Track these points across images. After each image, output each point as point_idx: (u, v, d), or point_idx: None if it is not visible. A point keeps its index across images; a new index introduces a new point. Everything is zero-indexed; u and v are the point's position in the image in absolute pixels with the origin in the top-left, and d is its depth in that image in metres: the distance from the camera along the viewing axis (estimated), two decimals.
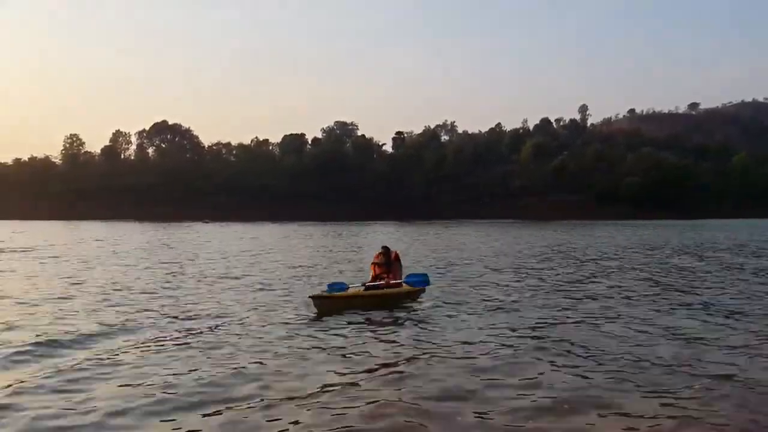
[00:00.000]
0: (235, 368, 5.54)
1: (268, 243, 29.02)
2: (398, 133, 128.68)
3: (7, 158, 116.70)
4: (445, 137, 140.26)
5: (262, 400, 4.67)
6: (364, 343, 6.73)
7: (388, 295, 9.39)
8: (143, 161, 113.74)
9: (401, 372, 5.50)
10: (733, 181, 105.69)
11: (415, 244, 27.80)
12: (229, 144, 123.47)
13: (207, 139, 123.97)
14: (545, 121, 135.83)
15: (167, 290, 11.07)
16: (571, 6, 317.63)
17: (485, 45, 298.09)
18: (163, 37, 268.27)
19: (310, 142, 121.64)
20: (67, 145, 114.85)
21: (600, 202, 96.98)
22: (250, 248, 24.39)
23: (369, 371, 5.52)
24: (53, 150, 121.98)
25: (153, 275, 13.42)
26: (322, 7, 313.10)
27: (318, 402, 4.65)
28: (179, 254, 20.53)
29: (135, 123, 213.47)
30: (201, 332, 7.15)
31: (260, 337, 6.89)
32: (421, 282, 9.68)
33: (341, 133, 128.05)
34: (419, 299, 9.74)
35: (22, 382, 5.15)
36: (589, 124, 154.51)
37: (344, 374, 5.42)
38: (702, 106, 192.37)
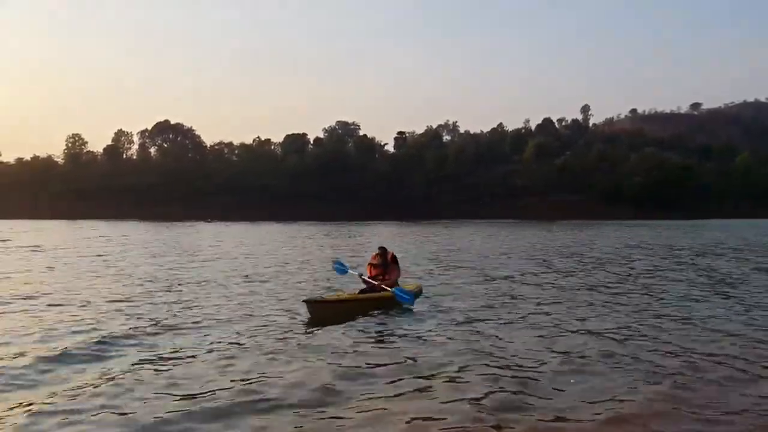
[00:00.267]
0: (222, 374, 5.39)
1: (269, 243, 28.87)
2: (400, 132, 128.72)
3: (10, 158, 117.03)
4: (446, 137, 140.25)
5: (250, 407, 4.54)
6: (358, 348, 6.52)
7: (384, 298, 9.18)
8: (145, 161, 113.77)
9: (398, 378, 5.31)
10: (736, 181, 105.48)
11: (416, 244, 27.70)
12: (231, 144, 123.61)
13: (209, 139, 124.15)
14: (547, 121, 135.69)
15: (161, 293, 10.69)
16: (572, 5, 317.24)
17: (486, 45, 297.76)
18: (164, 37, 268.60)
19: (311, 142, 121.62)
20: (69, 145, 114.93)
21: (603, 202, 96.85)
22: (250, 248, 24.19)
23: (363, 377, 5.37)
24: (55, 150, 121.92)
25: (151, 278, 13.05)
26: (322, 7, 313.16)
27: (308, 410, 4.51)
28: (179, 255, 20.26)
29: (137, 123, 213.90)
30: (190, 336, 6.96)
31: (249, 343, 6.66)
32: (405, 299, 9.17)
33: (343, 133, 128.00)
34: (417, 300, 9.54)
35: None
36: (591, 124, 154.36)
37: (336, 380, 5.26)
38: (704, 107, 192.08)
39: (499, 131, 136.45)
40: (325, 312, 8.21)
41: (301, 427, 4.23)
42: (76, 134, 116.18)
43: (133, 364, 5.69)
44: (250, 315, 8.52)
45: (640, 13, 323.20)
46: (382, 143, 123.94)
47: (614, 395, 4.90)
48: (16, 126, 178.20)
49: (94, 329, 7.30)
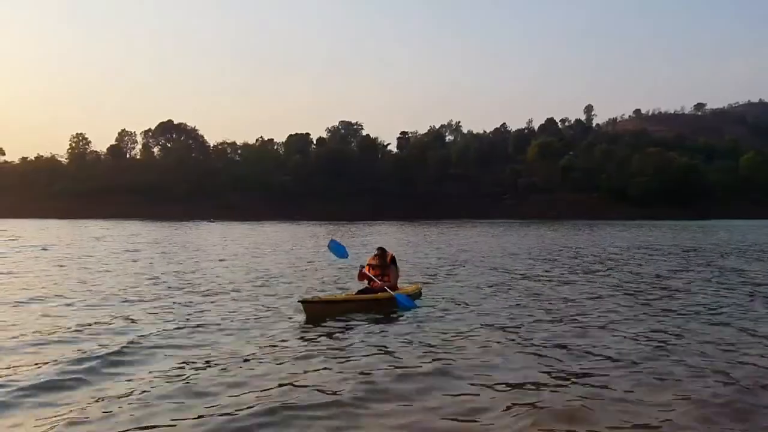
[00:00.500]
0: (213, 378, 5.20)
1: (271, 243, 28.55)
2: (403, 132, 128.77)
3: (14, 157, 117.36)
4: (449, 137, 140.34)
5: (241, 410, 4.38)
6: (354, 351, 6.26)
7: (383, 299, 8.89)
8: (149, 160, 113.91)
9: (397, 385, 5.06)
10: (741, 181, 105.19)
11: (419, 244, 27.52)
12: (234, 143, 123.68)
13: (212, 139, 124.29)
14: (550, 122, 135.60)
15: (168, 294, 10.28)
16: (575, 5, 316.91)
17: (489, 45, 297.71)
18: (168, 38, 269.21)
19: (314, 142, 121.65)
20: (73, 145, 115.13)
21: (607, 201, 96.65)
22: (253, 248, 23.85)
23: (358, 382, 5.11)
24: (59, 149, 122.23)
25: (160, 279, 12.55)
26: (327, 8, 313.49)
27: (300, 414, 4.35)
28: (179, 255, 19.99)
29: (141, 122, 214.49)
30: (182, 339, 6.69)
31: (242, 345, 6.41)
32: (408, 304, 8.87)
33: (346, 133, 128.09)
34: (416, 300, 9.28)
35: None
36: (594, 124, 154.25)
37: (328, 383, 5.04)
38: (708, 107, 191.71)
39: (501, 131, 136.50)
40: (321, 312, 7.98)
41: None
42: (80, 134, 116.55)
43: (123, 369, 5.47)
44: (243, 314, 8.19)
45: (643, 14, 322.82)
46: (385, 143, 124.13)
47: (646, 401, 4.64)
48: (21, 126, 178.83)
49: (113, 332, 7.06)
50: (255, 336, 6.87)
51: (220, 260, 17.80)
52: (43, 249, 22.09)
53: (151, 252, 21.46)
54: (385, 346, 6.46)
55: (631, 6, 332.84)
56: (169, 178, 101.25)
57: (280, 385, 4.97)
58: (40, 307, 8.85)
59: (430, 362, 5.78)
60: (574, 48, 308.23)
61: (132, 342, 6.43)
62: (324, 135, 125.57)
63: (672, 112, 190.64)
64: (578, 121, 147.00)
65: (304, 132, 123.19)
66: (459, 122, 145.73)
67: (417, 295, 9.63)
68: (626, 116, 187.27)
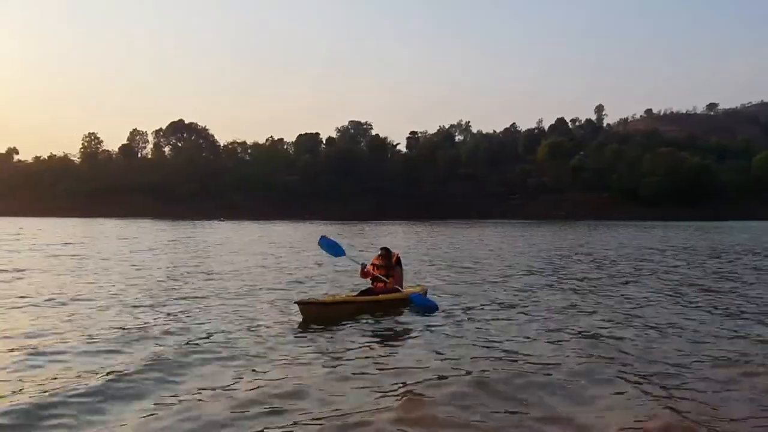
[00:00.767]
0: (199, 381, 5.03)
1: (280, 242, 28.40)
2: (412, 132, 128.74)
3: (28, 156, 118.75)
4: (459, 137, 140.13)
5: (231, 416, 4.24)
6: (349, 356, 5.93)
7: (385, 300, 8.46)
8: (160, 160, 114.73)
9: (397, 392, 4.82)
10: (754, 181, 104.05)
11: (428, 244, 27.44)
12: (244, 143, 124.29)
13: (223, 138, 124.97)
14: (561, 121, 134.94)
15: (159, 298, 9.67)
16: (585, 4, 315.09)
17: (499, 45, 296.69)
18: (180, 38, 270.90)
19: (324, 142, 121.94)
20: (86, 144, 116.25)
21: (618, 201, 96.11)
22: (261, 248, 23.43)
23: (356, 388, 4.91)
24: (72, 149, 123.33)
25: (155, 281, 12.10)
26: (336, 8, 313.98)
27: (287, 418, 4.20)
28: (186, 255, 19.67)
29: (152, 122, 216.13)
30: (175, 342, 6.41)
31: (234, 348, 6.13)
32: (426, 308, 8.38)
33: (355, 133, 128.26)
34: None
35: None
36: (605, 124, 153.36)
37: (318, 387, 4.85)
38: (720, 107, 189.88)
39: (511, 131, 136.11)
40: (318, 314, 7.62)
41: None
42: (92, 133, 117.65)
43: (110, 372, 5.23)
44: (240, 316, 7.88)
45: (654, 13, 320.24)
46: (395, 143, 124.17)
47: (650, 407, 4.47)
48: (34, 125, 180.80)
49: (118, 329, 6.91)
50: (245, 339, 6.52)
51: (224, 260, 17.85)
52: (75, 256, 22.38)
53: (168, 251, 21.66)
54: (385, 352, 6.13)
55: (643, 5, 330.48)
56: (179, 178, 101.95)
57: (257, 391, 4.74)
58: (79, 307, 8.62)
59: (431, 369, 5.46)
60: (585, 47, 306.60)
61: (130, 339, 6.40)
62: (333, 135, 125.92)
63: (684, 112, 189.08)
64: (589, 121, 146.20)
65: (313, 132, 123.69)
66: (468, 122, 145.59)
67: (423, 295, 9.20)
68: (637, 116, 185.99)
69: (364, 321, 7.64)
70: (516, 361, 5.76)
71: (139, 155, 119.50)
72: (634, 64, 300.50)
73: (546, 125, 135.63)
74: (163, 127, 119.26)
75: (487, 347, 6.33)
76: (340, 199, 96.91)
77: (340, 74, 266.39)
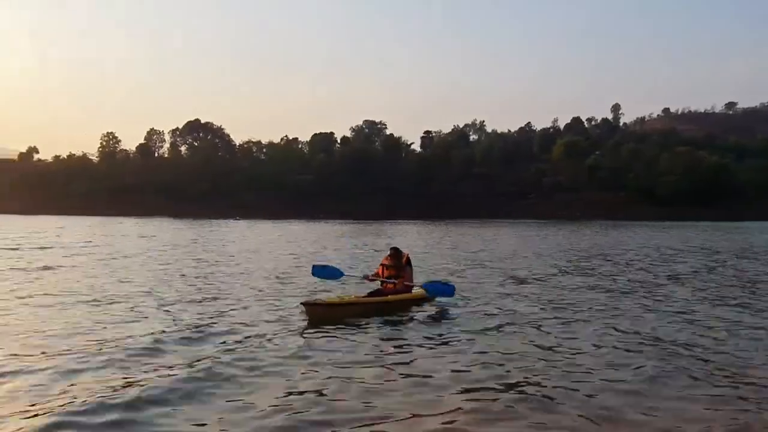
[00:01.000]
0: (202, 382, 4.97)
1: (294, 241, 28.41)
2: (426, 132, 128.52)
3: (47, 155, 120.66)
4: (473, 136, 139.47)
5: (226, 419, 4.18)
6: (353, 359, 5.74)
7: (393, 302, 8.24)
8: (176, 159, 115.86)
9: (400, 392, 4.70)
10: None
11: (442, 244, 27.41)
12: (259, 142, 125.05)
13: (238, 138, 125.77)
14: (576, 121, 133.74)
15: (192, 294, 9.99)
16: (603, 4, 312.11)
17: (515, 44, 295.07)
18: (196, 39, 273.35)
19: (338, 141, 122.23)
20: (104, 143, 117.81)
21: (635, 201, 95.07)
22: (276, 247, 23.45)
23: (353, 389, 4.80)
24: (90, 148, 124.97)
25: (181, 280, 12.23)
26: (352, 8, 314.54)
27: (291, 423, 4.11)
28: (200, 253, 19.66)
29: (168, 121, 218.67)
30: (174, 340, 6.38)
31: (235, 349, 6.05)
32: (443, 291, 8.31)
33: (370, 132, 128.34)
34: (429, 306, 8.62)
35: None
36: (621, 124, 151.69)
37: (320, 394, 4.71)
38: (739, 106, 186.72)
39: (526, 130, 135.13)
40: (324, 316, 7.40)
41: None
42: (110, 133, 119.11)
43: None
44: (245, 317, 7.78)
45: (672, 12, 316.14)
46: (409, 142, 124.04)
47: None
48: (54, 125, 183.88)
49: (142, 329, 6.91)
50: (249, 340, 6.40)
51: (236, 258, 17.96)
52: (101, 254, 22.77)
53: (191, 249, 21.94)
54: (393, 355, 5.89)
55: (661, 4, 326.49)
56: (195, 177, 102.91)
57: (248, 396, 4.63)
58: (110, 307, 8.62)
59: (441, 373, 5.30)
60: (602, 46, 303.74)
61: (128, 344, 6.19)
62: (348, 134, 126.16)
63: (702, 111, 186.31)
64: (605, 120, 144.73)
65: (328, 131, 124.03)
66: (483, 121, 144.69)
67: (431, 299, 9.00)
68: (654, 115, 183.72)
69: (372, 323, 7.36)
70: (574, 364, 5.54)
71: (156, 154, 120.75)
72: (651, 63, 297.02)
73: (561, 124, 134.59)
74: (180, 127, 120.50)
75: (533, 350, 6.13)
76: (351, 199, 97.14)
77: (354, 74, 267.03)
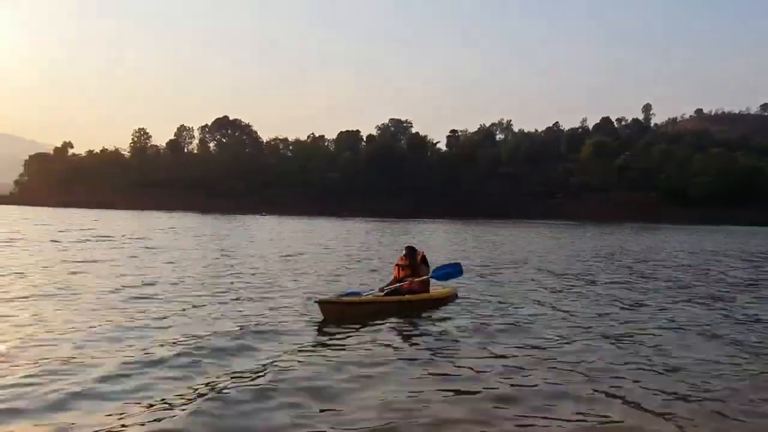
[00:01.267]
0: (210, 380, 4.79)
1: (319, 239, 27.99)
2: (452, 131, 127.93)
3: (81, 150, 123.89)
4: (500, 136, 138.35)
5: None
6: (370, 361, 5.52)
7: (411, 301, 8.07)
8: (205, 155, 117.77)
9: (416, 406, 4.39)
10: None
11: (467, 243, 27.12)
12: (286, 139, 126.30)
13: (265, 135, 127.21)
14: (606, 121, 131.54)
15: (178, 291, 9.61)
16: (635, 4, 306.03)
17: (544, 44, 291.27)
18: (225, 38, 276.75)
19: (364, 139, 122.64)
20: (135, 139, 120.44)
21: (666, 203, 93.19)
22: (299, 244, 23.14)
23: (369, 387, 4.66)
24: (123, 143, 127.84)
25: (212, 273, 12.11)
26: (380, 8, 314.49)
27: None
28: (220, 248, 19.37)
29: (198, 118, 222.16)
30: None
31: (245, 348, 5.82)
32: (452, 273, 8.14)
33: (395, 131, 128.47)
34: (448, 306, 8.32)
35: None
36: (652, 124, 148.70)
37: (335, 395, 4.57)
38: None
39: (554, 130, 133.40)
40: (340, 314, 7.24)
41: None
42: (142, 128, 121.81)
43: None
44: (259, 314, 7.54)
45: (705, 11, 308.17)
46: (434, 141, 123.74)
47: None
48: (89, 120, 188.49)
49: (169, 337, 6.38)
50: (263, 338, 6.24)
51: (256, 255, 18.21)
52: (139, 239, 23.39)
53: (218, 246, 22.31)
54: (411, 358, 5.70)
55: (695, 4, 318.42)
56: (224, 173, 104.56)
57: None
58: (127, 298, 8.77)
59: (457, 375, 5.11)
60: (632, 46, 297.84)
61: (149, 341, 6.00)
62: (374, 132, 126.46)
63: (737, 112, 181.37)
64: (635, 120, 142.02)
65: (354, 129, 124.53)
66: (510, 121, 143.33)
67: (452, 298, 8.75)
68: (687, 116, 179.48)
69: (389, 322, 7.17)
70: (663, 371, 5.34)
71: (185, 150, 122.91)
72: (683, 63, 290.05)
73: (590, 125, 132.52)
74: (209, 124, 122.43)
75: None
76: (377, 197, 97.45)
77: (380, 72, 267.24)
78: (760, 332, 7.27)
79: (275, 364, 5.23)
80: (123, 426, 3.83)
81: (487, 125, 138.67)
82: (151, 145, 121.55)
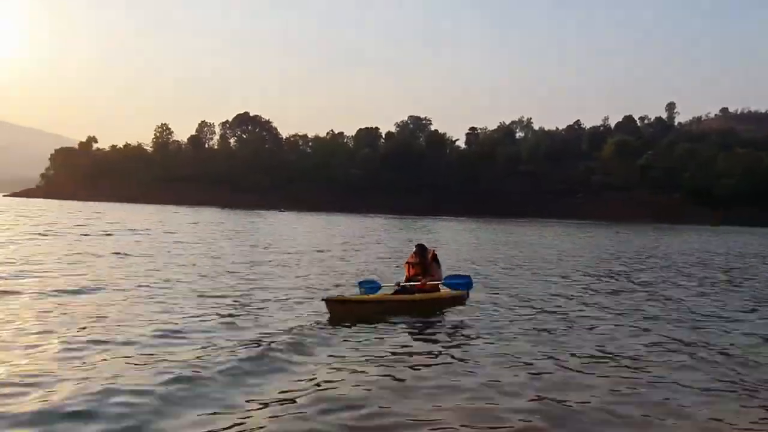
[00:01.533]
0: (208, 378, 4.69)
1: (335, 235, 28.09)
2: (472, 128, 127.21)
3: (105, 145, 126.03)
4: (520, 134, 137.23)
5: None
6: (375, 361, 5.39)
7: (419, 301, 7.90)
8: (226, 150, 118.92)
9: (419, 405, 4.32)
10: None
11: (483, 241, 27.15)
12: (305, 136, 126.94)
13: (285, 131, 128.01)
14: (628, 119, 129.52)
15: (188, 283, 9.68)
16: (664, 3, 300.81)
17: (565, 42, 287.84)
18: (246, 37, 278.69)
19: (383, 136, 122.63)
20: (158, 134, 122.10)
21: (689, 203, 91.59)
22: (316, 240, 23.41)
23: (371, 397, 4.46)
24: (145, 138, 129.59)
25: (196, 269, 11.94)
26: (399, 6, 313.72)
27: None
28: (239, 244, 19.43)
29: (219, 114, 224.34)
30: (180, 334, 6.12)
31: (250, 346, 5.69)
32: (461, 285, 8.04)
33: (414, 128, 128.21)
34: (460, 307, 8.15)
35: None
36: (676, 123, 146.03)
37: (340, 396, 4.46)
38: None
39: (575, 128, 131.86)
40: (347, 313, 7.10)
41: None
42: (164, 124, 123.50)
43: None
44: (266, 310, 7.53)
45: (731, 10, 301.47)
46: (454, 139, 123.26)
47: None
48: (113, 116, 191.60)
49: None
50: (267, 335, 6.13)
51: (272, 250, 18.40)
52: (170, 233, 23.80)
53: (241, 240, 22.58)
54: (416, 359, 5.54)
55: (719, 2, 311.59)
56: (244, 169, 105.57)
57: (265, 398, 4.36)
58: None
59: (465, 377, 4.96)
60: (656, 45, 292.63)
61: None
62: (393, 129, 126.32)
63: (763, 111, 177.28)
64: (659, 119, 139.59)
65: (373, 126, 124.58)
66: (530, 119, 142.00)
67: (463, 298, 8.54)
68: (712, 115, 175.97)
69: (397, 322, 7.02)
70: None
71: (207, 146, 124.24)
72: (710, 62, 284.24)
73: (612, 123, 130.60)
74: (230, 120, 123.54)
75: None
76: (396, 194, 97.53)
77: (400, 70, 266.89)
78: None
79: (276, 364, 5.14)
80: None
81: (507, 123, 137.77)
82: (173, 141, 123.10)
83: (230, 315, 7.14)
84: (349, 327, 6.66)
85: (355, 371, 5.04)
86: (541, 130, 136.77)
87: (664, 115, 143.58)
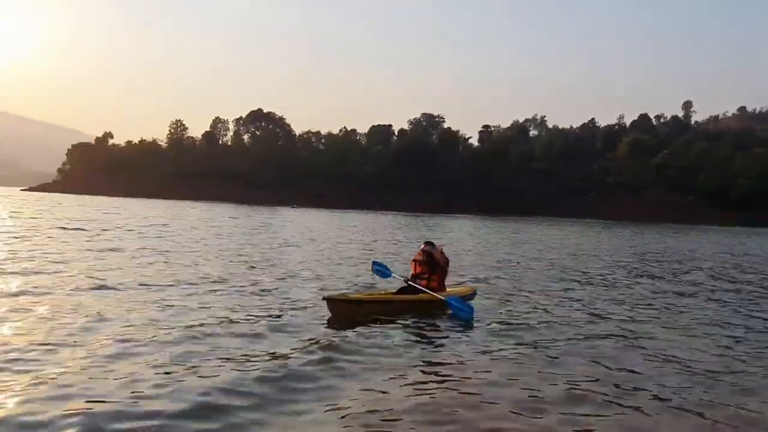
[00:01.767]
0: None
1: (347, 231, 28.00)
2: (485, 126, 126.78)
3: (121, 140, 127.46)
4: (533, 132, 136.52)
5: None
6: (375, 363, 5.25)
7: (423, 302, 7.67)
8: (239, 147, 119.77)
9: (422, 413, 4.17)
10: None
11: (492, 240, 26.90)
12: (318, 132, 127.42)
13: (298, 128, 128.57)
14: (644, 118, 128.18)
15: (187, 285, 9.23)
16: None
17: (579, 40, 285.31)
18: (258, 32, 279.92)
19: (396, 133, 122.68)
20: (172, 130, 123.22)
21: (705, 204, 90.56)
22: (328, 236, 23.31)
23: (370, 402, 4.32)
24: (160, 134, 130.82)
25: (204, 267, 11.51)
26: (412, 5, 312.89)
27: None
28: (249, 241, 19.08)
29: (233, 111, 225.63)
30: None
31: (247, 346, 5.56)
32: (462, 312, 7.29)
33: (427, 125, 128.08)
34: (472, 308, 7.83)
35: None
36: (693, 122, 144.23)
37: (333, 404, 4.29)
38: None
39: (590, 127, 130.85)
40: (348, 313, 6.99)
41: None
42: (179, 120, 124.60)
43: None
44: (268, 312, 7.26)
45: (751, 9, 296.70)
46: (467, 136, 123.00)
47: None
48: (128, 112, 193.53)
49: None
50: (267, 335, 6.05)
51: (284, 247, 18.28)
52: (190, 228, 24.02)
53: (267, 236, 22.72)
54: (417, 358, 5.45)
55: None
56: (258, 165, 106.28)
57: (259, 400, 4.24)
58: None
59: (467, 380, 4.85)
60: (673, 43, 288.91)
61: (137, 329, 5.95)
62: (406, 126, 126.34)
63: None
64: (675, 117, 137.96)
65: (386, 123, 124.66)
66: (544, 117, 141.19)
67: (470, 297, 8.37)
68: (729, 114, 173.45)
69: (399, 322, 6.88)
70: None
71: (220, 142, 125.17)
72: (728, 60, 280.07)
73: (627, 121, 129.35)
74: (243, 116, 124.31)
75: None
76: (409, 191, 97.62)
77: (413, 67, 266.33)
78: None
79: (274, 363, 5.03)
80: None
81: (521, 121, 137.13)
82: (188, 137, 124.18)
83: (263, 317, 6.91)
84: (349, 326, 6.49)
85: (344, 370, 4.97)
86: (555, 128, 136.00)
87: (681, 114, 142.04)
